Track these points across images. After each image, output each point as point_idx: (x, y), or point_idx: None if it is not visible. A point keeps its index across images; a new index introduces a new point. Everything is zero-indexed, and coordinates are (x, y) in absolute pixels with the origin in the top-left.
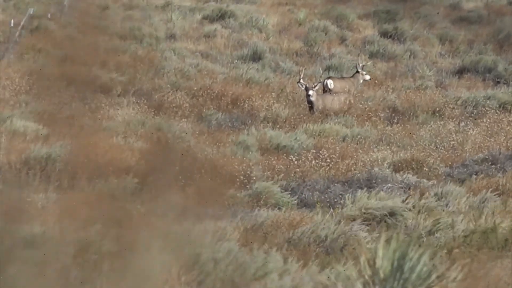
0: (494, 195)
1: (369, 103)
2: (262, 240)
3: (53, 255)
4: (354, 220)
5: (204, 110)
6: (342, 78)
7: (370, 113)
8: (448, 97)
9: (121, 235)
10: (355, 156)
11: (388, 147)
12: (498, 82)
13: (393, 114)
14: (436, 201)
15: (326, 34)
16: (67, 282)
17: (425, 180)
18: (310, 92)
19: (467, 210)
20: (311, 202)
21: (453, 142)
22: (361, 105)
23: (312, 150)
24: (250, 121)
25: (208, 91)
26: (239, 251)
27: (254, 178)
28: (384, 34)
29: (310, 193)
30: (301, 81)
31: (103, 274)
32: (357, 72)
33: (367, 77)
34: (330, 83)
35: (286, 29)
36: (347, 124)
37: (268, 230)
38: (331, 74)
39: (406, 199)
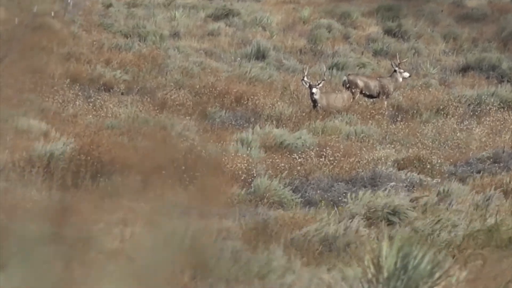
0: (498, 193)
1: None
2: (266, 238)
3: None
4: (358, 218)
5: (208, 108)
6: (369, 76)
7: (374, 111)
8: (452, 95)
9: (124, 233)
10: (359, 154)
11: (391, 145)
12: (502, 80)
13: (397, 112)
14: (440, 199)
15: (330, 32)
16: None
17: (429, 179)
18: (314, 90)
19: (471, 208)
20: (314, 201)
21: (457, 141)
22: (364, 103)
23: (315, 148)
24: (253, 119)
25: (212, 89)
26: (243, 250)
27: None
28: (388, 32)
29: (314, 192)
30: (305, 78)
31: (106, 272)
32: (395, 71)
33: (406, 74)
34: (346, 81)
35: (290, 27)
36: (351, 122)
37: (272, 229)
38: (334, 72)
39: (416, 199)
